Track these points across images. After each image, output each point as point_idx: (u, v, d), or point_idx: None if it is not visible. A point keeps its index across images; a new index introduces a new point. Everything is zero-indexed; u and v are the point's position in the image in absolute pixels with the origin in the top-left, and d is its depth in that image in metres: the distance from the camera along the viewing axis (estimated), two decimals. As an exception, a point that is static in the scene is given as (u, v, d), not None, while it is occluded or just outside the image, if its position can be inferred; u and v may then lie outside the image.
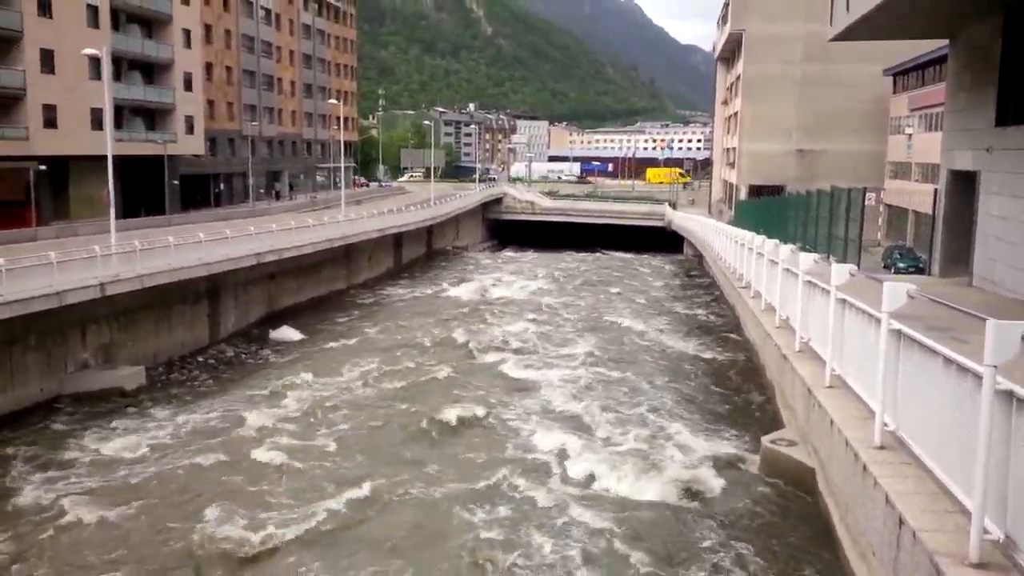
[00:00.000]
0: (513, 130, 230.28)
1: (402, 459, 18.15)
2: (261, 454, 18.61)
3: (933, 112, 47.15)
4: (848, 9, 23.58)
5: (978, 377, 6.68)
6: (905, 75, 56.51)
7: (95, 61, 43.40)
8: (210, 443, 19.63)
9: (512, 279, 50.00)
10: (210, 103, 69.77)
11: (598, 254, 71.95)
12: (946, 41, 26.97)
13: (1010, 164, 21.17)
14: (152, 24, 59.49)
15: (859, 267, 13.33)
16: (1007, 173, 21.33)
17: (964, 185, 24.35)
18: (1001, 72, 21.62)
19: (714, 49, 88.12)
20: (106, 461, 18.79)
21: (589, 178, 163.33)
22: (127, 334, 27.88)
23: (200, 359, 30.42)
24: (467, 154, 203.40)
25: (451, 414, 21.12)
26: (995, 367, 6.36)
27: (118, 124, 52.51)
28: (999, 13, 21.31)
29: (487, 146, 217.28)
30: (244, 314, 35.77)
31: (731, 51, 77.81)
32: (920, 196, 46.35)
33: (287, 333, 33.83)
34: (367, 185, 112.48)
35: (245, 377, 27.14)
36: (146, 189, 56.55)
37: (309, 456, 18.41)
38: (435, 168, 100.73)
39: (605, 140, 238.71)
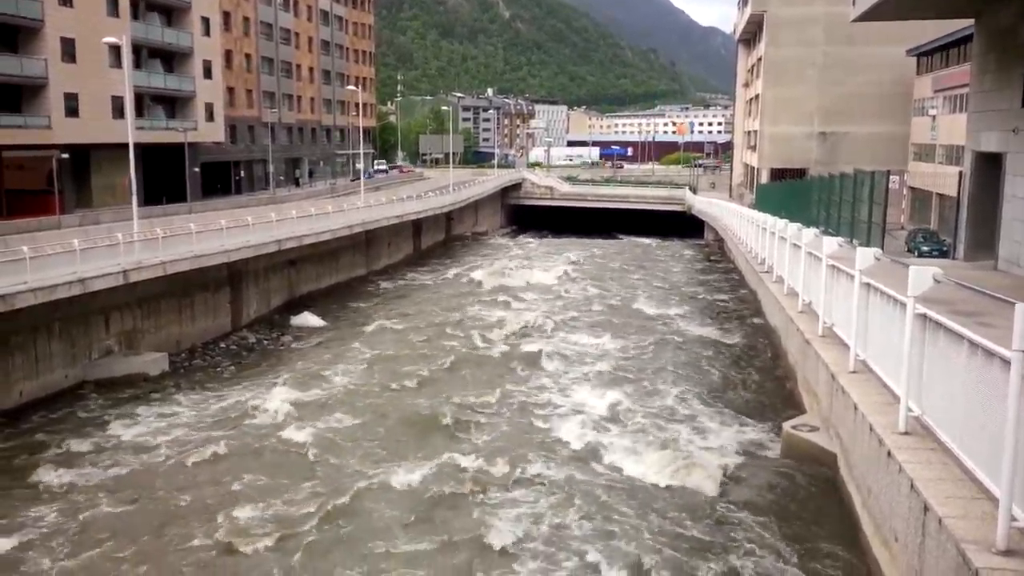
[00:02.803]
0: (532, 115, 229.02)
1: (425, 445, 18.18)
2: (284, 440, 18.73)
3: (958, 93, 46.47)
4: (871, -11, 23.27)
5: (1006, 362, 6.59)
6: (929, 56, 55.66)
7: (115, 49, 43.71)
8: (233, 429, 19.78)
9: (532, 264, 49.93)
10: (230, 90, 70.04)
11: (618, 239, 71.72)
12: (971, 21, 26.53)
13: (1037, 145, 20.85)
14: (171, 12, 59.75)
15: (883, 251, 13.16)
16: (1034, 154, 21.01)
17: (989, 167, 24.00)
18: (1028, 52, 21.26)
19: (735, 31, 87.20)
20: (130, 447, 18.98)
21: (608, 162, 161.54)
22: (150, 321, 28.14)
23: (223, 345, 30.67)
24: (486, 140, 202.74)
25: (473, 400, 21.18)
26: (1023, 352, 6.28)
27: (139, 112, 52.84)
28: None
29: (506, 131, 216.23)
30: (265, 301, 35.99)
31: (752, 33, 76.98)
32: (944, 179, 45.78)
33: (308, 319, 34.04)
34: (412, 170, 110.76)
35: (267, 363, 27.32)
36: (167, 177, 56.95)
37: (332, 442, 18.50)
38: (454, 154, 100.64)
39: (625, 124, 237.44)
